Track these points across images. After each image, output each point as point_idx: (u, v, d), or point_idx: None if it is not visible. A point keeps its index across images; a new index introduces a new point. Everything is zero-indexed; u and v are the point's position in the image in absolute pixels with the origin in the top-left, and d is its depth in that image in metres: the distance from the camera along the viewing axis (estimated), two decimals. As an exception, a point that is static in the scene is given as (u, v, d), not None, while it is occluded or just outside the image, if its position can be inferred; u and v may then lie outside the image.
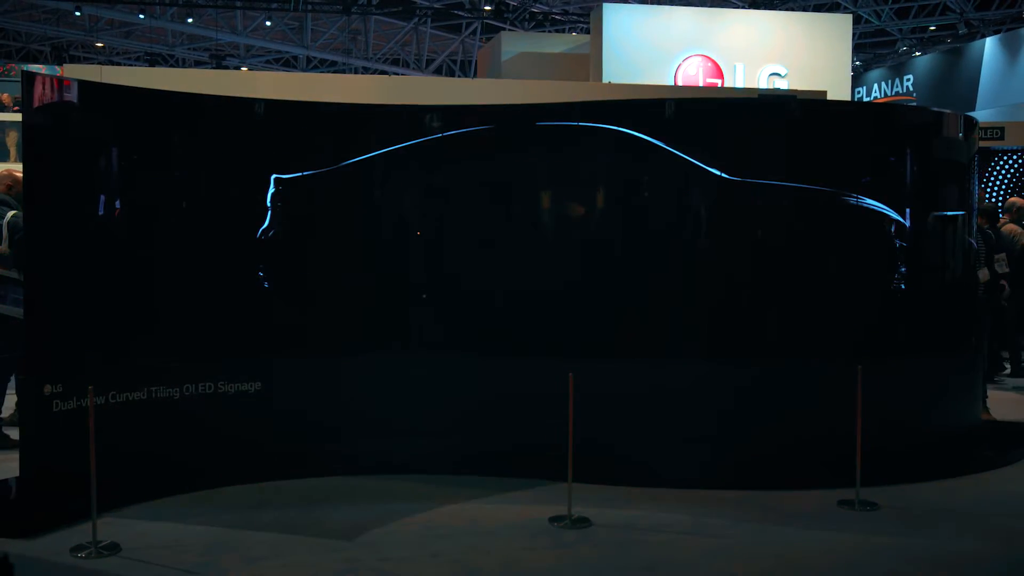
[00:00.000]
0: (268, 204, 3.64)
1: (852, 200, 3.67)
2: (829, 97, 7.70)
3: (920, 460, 3.71)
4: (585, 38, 10.98)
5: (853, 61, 13.68)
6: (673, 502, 3.26)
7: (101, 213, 3.26)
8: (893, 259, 3.81)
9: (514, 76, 9.58)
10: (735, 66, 10.20)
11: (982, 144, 4.78)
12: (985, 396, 4.67)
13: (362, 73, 17.88)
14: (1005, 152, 7.52)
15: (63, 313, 3.17)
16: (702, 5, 13.21)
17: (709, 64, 10.28)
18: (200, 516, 3.08)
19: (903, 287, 3.86)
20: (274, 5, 15.57)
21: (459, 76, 18.94)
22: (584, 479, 3.19)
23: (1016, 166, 7.58)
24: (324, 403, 3.67)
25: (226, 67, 18.11)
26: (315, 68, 19.27)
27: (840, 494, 3.30)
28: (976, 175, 4.30)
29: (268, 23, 17.13)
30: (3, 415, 4.25)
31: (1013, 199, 6.41)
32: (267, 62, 19.68)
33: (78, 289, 3.22)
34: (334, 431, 3.66)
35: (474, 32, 17.79)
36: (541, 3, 15.49)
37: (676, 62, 10.21)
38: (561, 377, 3.05)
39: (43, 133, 3.09)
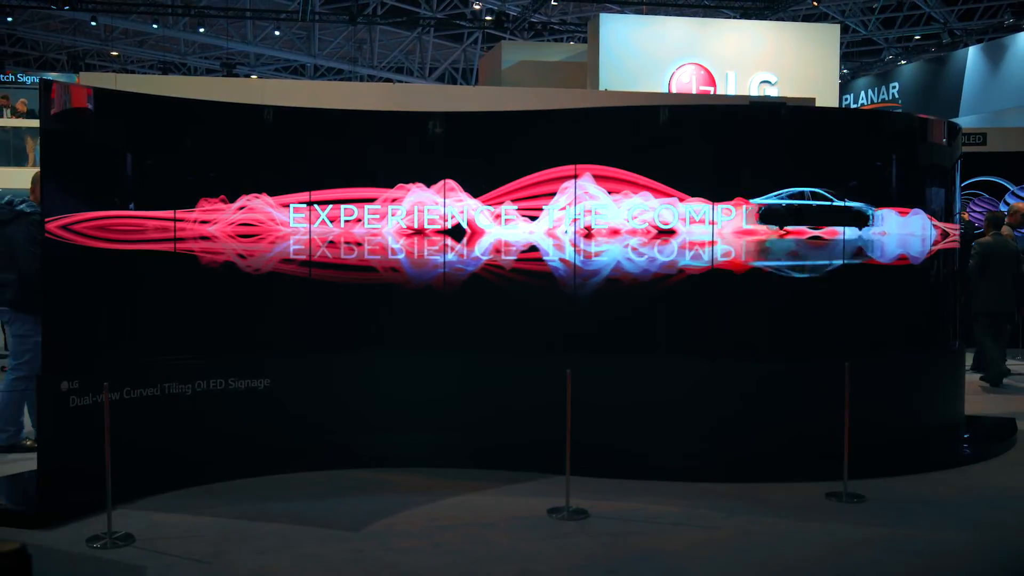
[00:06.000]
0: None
1: (840, 203, 3.81)
2: (817, 104, 7.88)
3: (906, 454, 3.83)
4: (583, 47, 11.16)
5: (841, 69, 13.92)
6: (667, 494, 3.35)
7: (115, 214, 3.36)
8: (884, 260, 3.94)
9: (514, 84, 9.74)
10: (727, 74, 10.40)
11: (965, 149, 4.93)
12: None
13: (367, 81, 18.10)
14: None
15: (79, 312, 3.27)
16: (695, 15, 13.46)
17: (702, 72, 10.46)
18: (212, 508, 3.16)
19: (889, 287, 3.99)
20: (283, 15, 15.79)
21: (461, 84, 19.15)
22: (582, 472, 3.30)
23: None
24: (328, 400, 3.78)
25: (236, 75, 18.32)
26: (322, 76, 19.49)
27: (828, 486, 3.41)
28: (959, 178, 4.46)
29: (277, 32, 17.38)
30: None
31: (1018, 204, 6.52)
32: (276, 70, 19.90)
33: (93, 288, 3.32)
34: (338, 427, 3.77)
35: (475, 41, 18.05)
36: (540, 13, 15.72)
37: (670, 70, 10.39)
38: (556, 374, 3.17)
39: (60, 138, 3.20)
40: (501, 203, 3.87)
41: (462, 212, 3.88)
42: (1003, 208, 7.22)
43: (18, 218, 3.86)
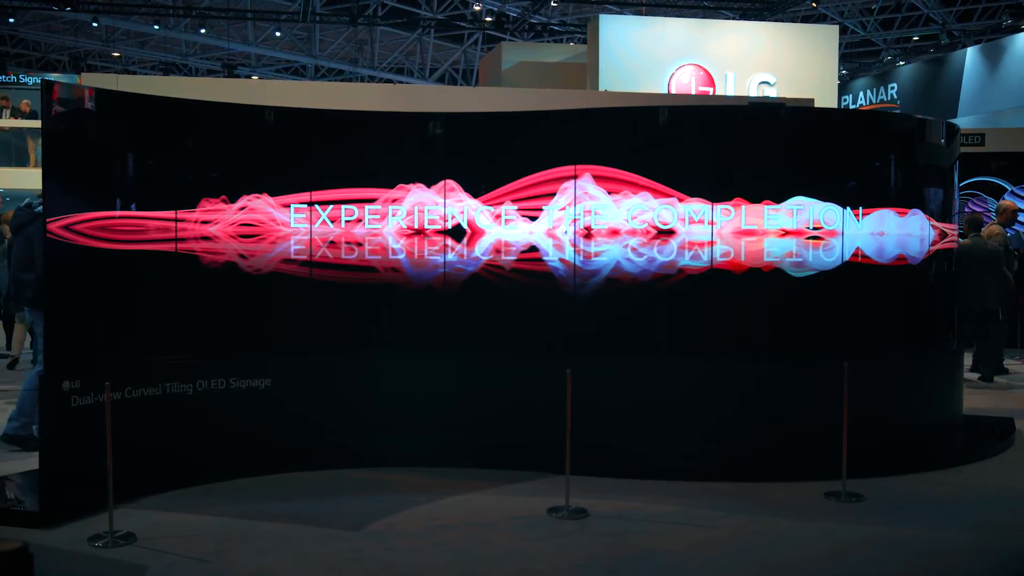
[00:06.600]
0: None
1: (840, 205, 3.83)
2: (816, 105, 7.90)
3: (905, 453, 3.84)
4: (582, 48, 11.18)
5: (839, 70, 13.96)
6: (667, 494, 3.37)
7: (117, 214, 3.37)
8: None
9: (514, 84, 9.76)
10: (726, 75, 10.42)
11: (963, 150, 4.94)
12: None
13: (368, 82, 18.18)
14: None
15: (81, 312, 3.28)
16: (694, 16, 13.49)
17: (701, 73, 10.48)
18: (212, 507, 3.18)
19: (888, 288, 4.00)
20: (284, 16, 15.86)
21: (461, 84, 19.21)
22: (582, 472, 3.31)
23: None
24: (329, 400, 3.79)
25: (237, 76, 18.39)
26: (323, 77, 19.54)
27: (827, 486, 3.43)
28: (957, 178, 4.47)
29: (278, 33, 17.45)
30: None
31: (1005, 202, 6.59)
32: (277, 71, 19.96)
33: (95, 288, 3.33)
34: (338, 427, 3.78)
35: (475, 42, 18.13)
36: (540, 14, 15.76)
37: (670, 71, 10.41)
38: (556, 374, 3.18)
39: (61, 139, 3.21)
40: (501, 203, 3.88)
41: (462, 212, 3.90)
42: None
43: (37, 219, 3.89)
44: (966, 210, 7.53)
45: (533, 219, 3.85)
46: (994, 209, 6.68)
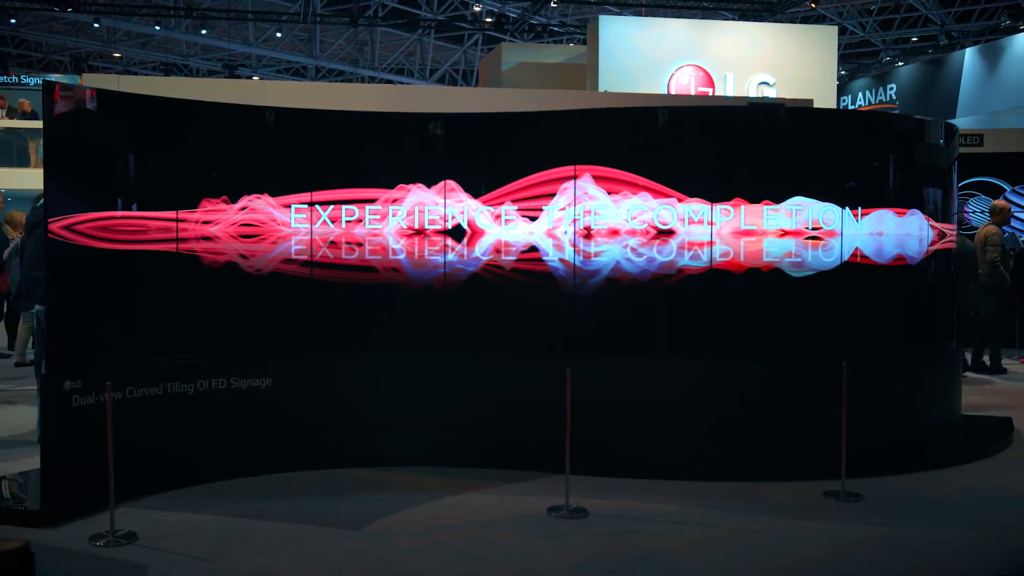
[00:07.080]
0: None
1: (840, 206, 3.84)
2: (815, 105, 7.91)
3: (903, 453, 3.85)
4: (582, 48, 11.19)
5: (838, 71, 13.99)
6: (667, 493, 3.37)
7: (118, 214, 3.38)
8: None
9: (514, 85, 9.77)
10: (726, 75, 10.43)
11: (962, 150, 4.95)
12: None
13: (368, 82, 18.22)
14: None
15: (82, 311, 3.29)
16: (694, 17, 13.52)
17: (701, 73, 10.49)
18: (213, 507, 3.18)
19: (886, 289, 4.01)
20: (284, 17, 15.91)
21: (461, 85, 19.25)
22: (581, 471, 3.32)
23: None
24: (329, 399, 3.80)
25: (238, 76, 18.42)
26: (323, 77, 19.59)
27: (826, 485, 3.44)
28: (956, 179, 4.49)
29: (279, 34, 17.52)
30: None
31: (997, 202, 6.63)
32: (277, 72, 20.01)
33: (96, 288, 3.34)
34: (339, 427, 3.78)
35: (475, 43, 18.17)
36: (540, 15, 15.80)
37: (669, 71, 10.42)
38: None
39: (63, 139, 3.22)
40: (501, 204, 3.89)
41: (462, 212, 3.91)
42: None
43: None
44: (966, 209, 7.55)
45: (533, 219, 3.86)
46: (988, 209, 6.70)
